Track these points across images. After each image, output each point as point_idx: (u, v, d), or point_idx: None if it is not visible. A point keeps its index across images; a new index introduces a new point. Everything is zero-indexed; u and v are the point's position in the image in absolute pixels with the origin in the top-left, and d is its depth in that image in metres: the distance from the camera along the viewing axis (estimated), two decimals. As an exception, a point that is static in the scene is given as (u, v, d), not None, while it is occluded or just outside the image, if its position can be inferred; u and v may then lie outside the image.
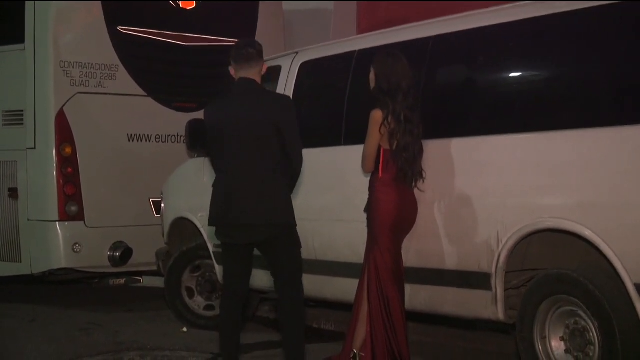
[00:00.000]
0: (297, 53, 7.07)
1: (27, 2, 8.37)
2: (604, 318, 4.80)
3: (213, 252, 7.45)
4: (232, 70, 5.37)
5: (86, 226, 8.31)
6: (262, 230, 5.20)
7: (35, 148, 8.35)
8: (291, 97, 6.76)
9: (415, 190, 5.66)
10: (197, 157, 7.75)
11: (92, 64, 8.40)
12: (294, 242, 5.32)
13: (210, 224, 5.42)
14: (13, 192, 8.50)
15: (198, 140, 7.42)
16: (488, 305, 5.37)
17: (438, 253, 5.65)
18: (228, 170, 5.24)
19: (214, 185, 5.38)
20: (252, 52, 5.29)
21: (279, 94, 5.42)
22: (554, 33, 5.30)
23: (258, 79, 5.31)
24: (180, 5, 8.96)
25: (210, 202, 5.38)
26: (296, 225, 5.32)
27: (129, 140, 8.63)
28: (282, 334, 5.35)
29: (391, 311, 5.49)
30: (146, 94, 8.74)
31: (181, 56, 8.91)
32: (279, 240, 5.23)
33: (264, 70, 5.38)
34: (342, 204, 6.29)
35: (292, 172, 5.33)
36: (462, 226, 5.53)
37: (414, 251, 5.75)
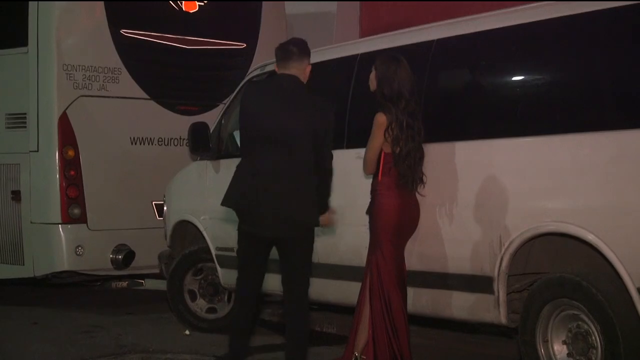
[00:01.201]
0: (299, 56, 7.06)
1: (30, 5, 8.39)
2: (606, 322, 4.80)
3: (215, 255, 7.46)
4: (276, 67, 5.33)
5: (89, 229, 8.31)
6: (287, 227, 5.16)
7: (38, 151, 8.36)
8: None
9: (417, 194, 5.65)
10: (200, 160, 7.75)
11: (95, 67, 8.42)
12: (311, 244, 5.31)
13: (229, 205, 5.28)
14: (16, 195, 8.51)
15: (201, 143, 7.43)
16: (490, 308, 5.37)
17: (440, 256, 5.65)
18: (259, 165, 5.14)
19: (239, 168, 5.27)
20: (292, 49, 5.23)
21: (320, 98, 5.30)
22: (556, 37, 5.30)
23: (300, 77, 5.23)
24: (183, 8, 8.97)
25: (230, 184, 5.27)
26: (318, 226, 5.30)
27: (132, 143, 8.64)
28: (287, 334, 5.34)
29: (393, 314, 5.49)
30: (149, 97, 8.75)
31: (184, 59, 8.91)
32: (300, 240, 5.23)
33: (307, 71, 5.29)
34: (345, 207, 6.27)
35: (322, 172, 5.28)
36: (464, 230, 5.53)
37: (416, 254, 5.75)
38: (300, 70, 5.24)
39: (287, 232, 5.17)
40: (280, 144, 5.11)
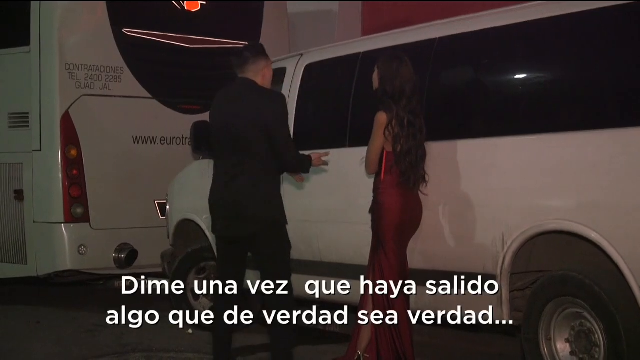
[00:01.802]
0: (301, 55, 7.07)
1: (32, 5, 8.40)
2: (609, 319, 4.80)
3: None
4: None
5: (91, 228, 8.32)
6: (243, 224, 5.21)
7: (40, 150, 8.37)
8: (296, 99, 6.77)
9: (420, 193, 5.65)
10: (202, 159, 7.76)
11: (97, 66, 8.43)
12: (282, 241, 5.31)
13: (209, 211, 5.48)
14: (19, 194, 8.52)
15: (203, 142, 7.43)
16: (493, 307, 5.36)
17: (443, 254, 5.65)
18: (218, 168, 5.37)
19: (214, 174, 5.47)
20: (246, 55, 5.36)
21: (269, 94, 5.36)
22: (559, 35, 5.29)
23: (257, 79, 5.33)
24: (185, 7, 8.98)
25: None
26: (285, 223, 5.31)
27: (134, 142, 8.65)
28: (270, 332, 5.36)
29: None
30: (151, 96, 8.76)
31: (186, 58, 8.92)
32: (265, 237, 5.23)
33: (267, 73, 5.37)
34: (347, 206, 6.29)
35: (287, 169, 5.40)
36: (467, 228, 5.52)
37: (419, 253, 5.75)
38: (257, 73, 5.34)
39: (246, 230, 5.22)
40: (232, 144, 5.24)
